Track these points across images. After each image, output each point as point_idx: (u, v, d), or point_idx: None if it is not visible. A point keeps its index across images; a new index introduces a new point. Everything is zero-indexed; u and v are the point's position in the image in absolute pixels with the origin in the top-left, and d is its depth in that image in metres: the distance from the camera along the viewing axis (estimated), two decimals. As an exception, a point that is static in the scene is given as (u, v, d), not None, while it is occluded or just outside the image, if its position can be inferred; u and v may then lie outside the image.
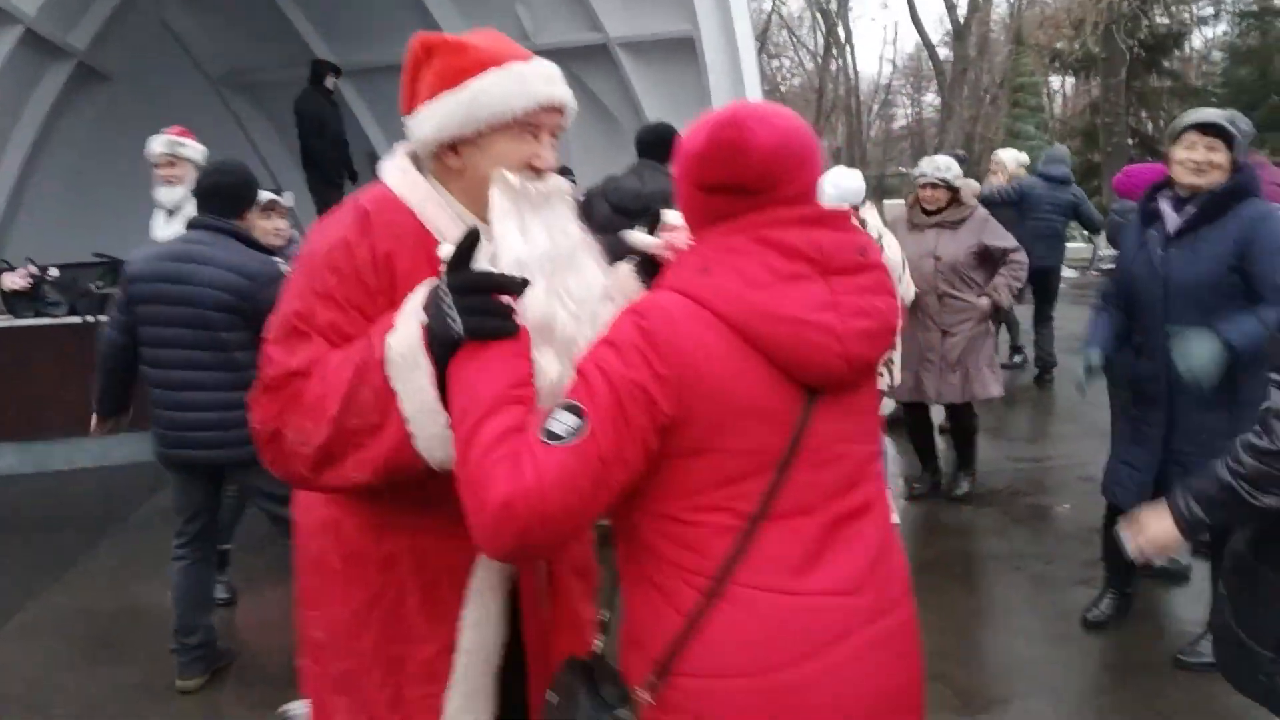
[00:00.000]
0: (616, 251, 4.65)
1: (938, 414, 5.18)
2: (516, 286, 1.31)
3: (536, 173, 1.51)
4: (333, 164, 8.81)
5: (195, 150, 4.70)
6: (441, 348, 1.30)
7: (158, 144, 4.64)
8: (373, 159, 8.95)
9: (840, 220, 1.37)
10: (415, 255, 1.46)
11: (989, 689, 3.19)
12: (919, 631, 1.45)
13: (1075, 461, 5.46)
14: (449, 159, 1.51)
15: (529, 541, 1.17)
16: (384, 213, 1.50)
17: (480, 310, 1.28)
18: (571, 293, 1.45)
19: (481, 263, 1.33)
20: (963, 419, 5.02)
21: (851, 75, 35.50)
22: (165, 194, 4.64)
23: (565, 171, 7.10)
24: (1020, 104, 22.08)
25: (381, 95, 10.52)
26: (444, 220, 1.51)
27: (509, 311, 1.30)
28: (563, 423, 1.20)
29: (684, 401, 1.24)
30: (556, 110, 1.54)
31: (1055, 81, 28.73)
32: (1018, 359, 8.15)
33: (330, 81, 8.84)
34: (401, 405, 1.34)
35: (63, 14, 9.61)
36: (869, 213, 4.19)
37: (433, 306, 1.31)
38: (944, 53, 31.83)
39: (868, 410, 1.43)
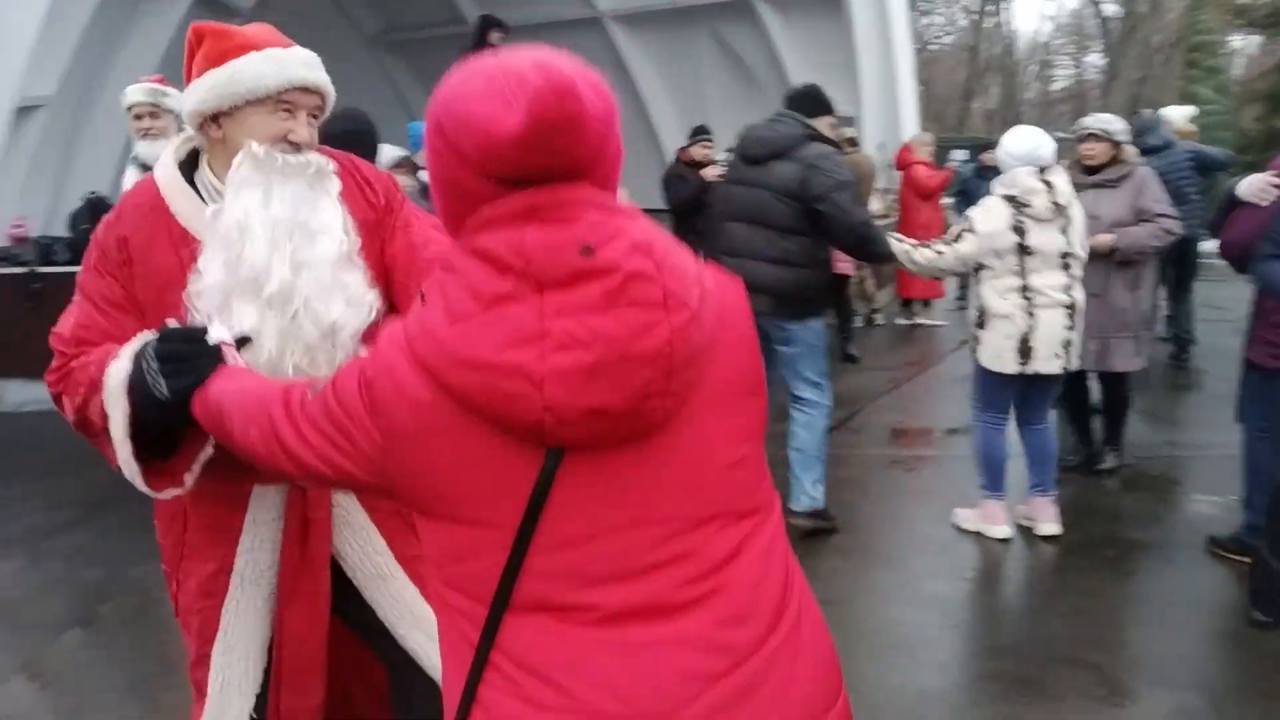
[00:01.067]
0: (745, 205, 4.54)
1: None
2: (212, 355, 1.46)
3: (293, 146, 1.65)
4: None
5: (179, 101, 4.32)
6: (143, 396, 1.49)
7: (137, 93, 4.13)
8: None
9: (557, 207, 1.01)
10: (153, 232, 1.69)
11: (1138, 680, 3.01)
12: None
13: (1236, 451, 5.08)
14: (211, 130, 1.67)
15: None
16: (135, 199, 1.74)
17: (178, 374, 1.45)
18: (298, 255, 1.61)
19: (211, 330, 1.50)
20: (1112, 390, 4.75)
21: (1008, 33, 33.75)
22: (147, 148, 4.08)
23: (701, 131, 7.06)
24: (1196, 65, 20.44)
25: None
26: (183, 204, 1.70)
27: (209, 368, 1.44)
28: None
29: (393, 462, 1.07)
30: (311, 92, 1.68)
31: (1237, 40, 26.48)
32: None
33: (495, 37, 8.79)
34: (110, 426, 1.56)
35: (232, -24, 10.10)
36: (1057, 175, 3.93)
37: (140, 362, 1.50)
38: (1110, 9, 29.80)
39: (679, 464, 1.06)
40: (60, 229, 7.32)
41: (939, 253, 3.98)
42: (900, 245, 4.09)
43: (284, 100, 1.64)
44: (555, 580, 1.04)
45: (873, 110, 9.74)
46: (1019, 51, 34.74)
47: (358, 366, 1.12)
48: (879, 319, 8.97)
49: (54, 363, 1.68)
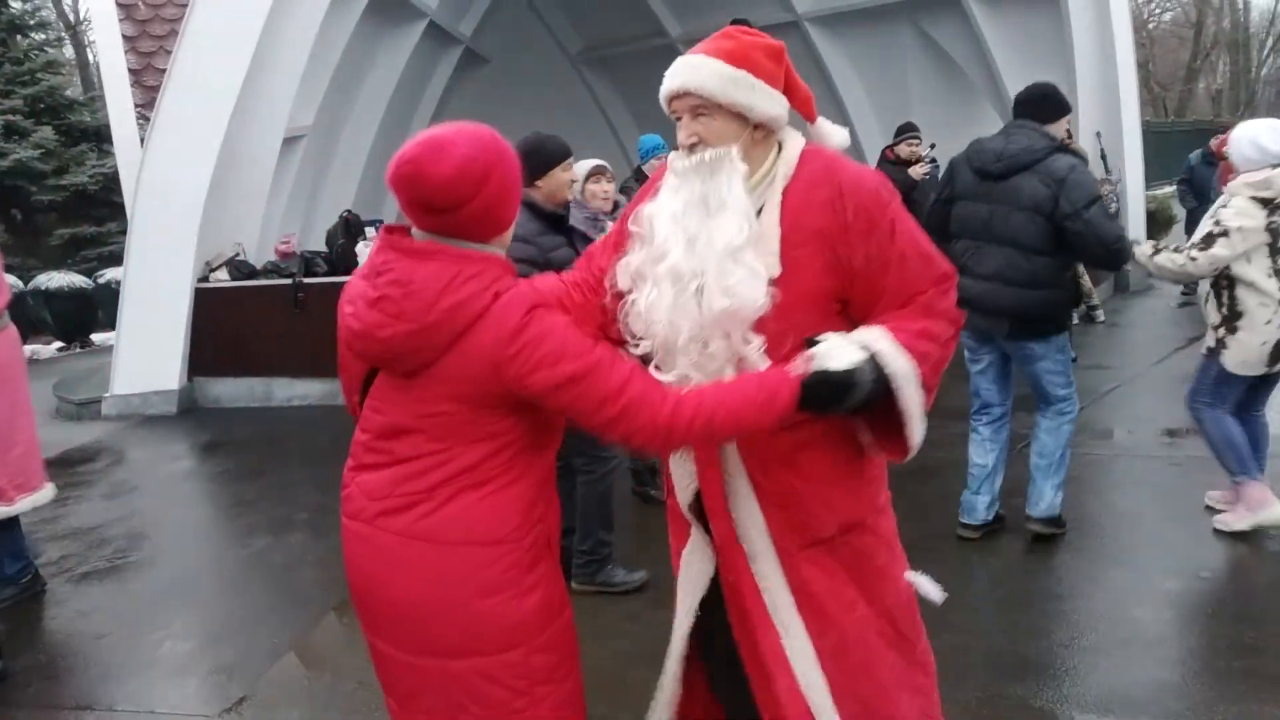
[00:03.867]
0: (985, 224, 4.40)
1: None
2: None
3: (684, 149, 1.81)
4: None
5: None
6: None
7: None
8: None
9: (384, 233, 1.74)
10: None
11: None
12: (392, 561, 1.73)
13: None
14: None
15: None
16: None
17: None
18: (691, 229, 1.75)
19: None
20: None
21: (1239, 5, 30.91)
22: None
23: (908, 128, 7.04)
24: None
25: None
26: None
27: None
28: None
29: None
30: (678, 97, 1.79)
31: None
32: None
33: None
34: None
35: (456, 5, 10.94)
36: None
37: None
38: (1366, -30, 26.72)
39: (416, 399, 1.70)
40: (313, 244, 8.23)
41: (1192, 259, 3.73)
42: (1142, 250, 3.88)
43: (673, 111, 1.82)
44: (364, 420, 1.84)
45: (1089, 97, 9.31)
46: (1253, 24, 31.74)
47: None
48: (1099, 315, 8.57)
49: None
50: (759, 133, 1.81)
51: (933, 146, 7.18)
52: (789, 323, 1.75)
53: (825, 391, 1.66)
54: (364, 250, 7.67)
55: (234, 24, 7.19)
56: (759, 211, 1.79)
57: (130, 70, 8.39)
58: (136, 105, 8.27)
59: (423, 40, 10.16)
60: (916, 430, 1.78)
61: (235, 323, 7.51)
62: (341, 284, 1.85)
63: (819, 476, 1.86)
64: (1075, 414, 3.97)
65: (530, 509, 1.75)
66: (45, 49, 16.74)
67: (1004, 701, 2.87)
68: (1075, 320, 7.98)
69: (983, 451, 4.05)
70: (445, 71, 11.55)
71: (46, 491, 4.12)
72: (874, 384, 1.69)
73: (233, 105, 7.22)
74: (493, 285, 1.65)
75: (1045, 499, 3.92)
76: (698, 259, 1.73)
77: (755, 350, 1.74)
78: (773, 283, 1.74)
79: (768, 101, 1.78)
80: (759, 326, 1.74)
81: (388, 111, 10.03)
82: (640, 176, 4.62)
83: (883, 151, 7.27)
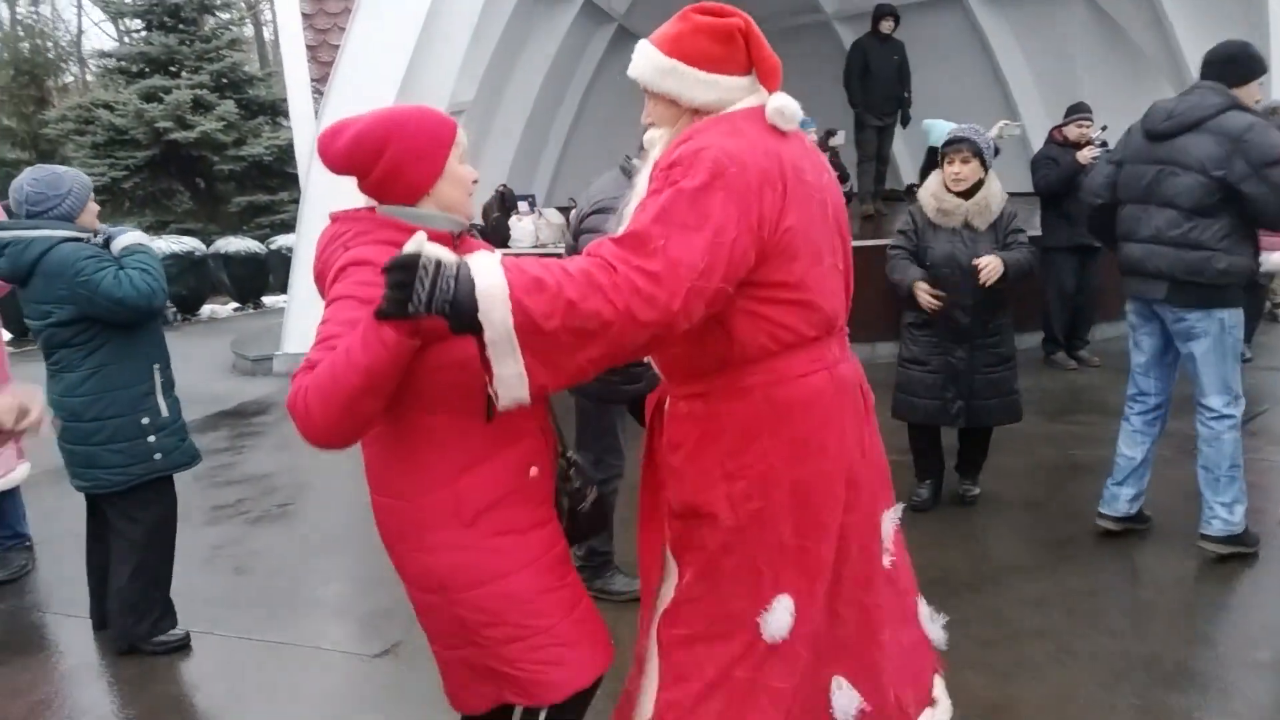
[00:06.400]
0: (1145, 184, 4.13)
1: None
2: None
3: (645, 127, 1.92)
4: (867, 105, 8.97)
5: None
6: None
7: None
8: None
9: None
10: None
11: None
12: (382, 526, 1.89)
13: None
14: None
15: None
16: None
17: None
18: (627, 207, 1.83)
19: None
20: None
21: None
22: None
23: (1079, 109, 6.66)
24: None
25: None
26: None
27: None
28: None
29: None
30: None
31: None
32: None
33: (886, 25, 8.97)
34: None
35: (612, -17, 11.02)
36: None
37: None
38: None
39: None
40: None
41: None
42: None
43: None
44: None
45: (1283, 74, 8.57)
46: None
47: None
48: (1284, 313, 7.95)
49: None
50: (699, 117, 1.81)
51: (1104, 129, 6.76)
52: None
53: (394, 278, 1.50)
54: (516, 224, 7.89)
55: (403, 3, 7.48)
56: None
57: (307, 46, 8.86)
58: (312, 80, 8.74)
59: (578, 18, 10.30)
60: (500, 359, 1.54)
61: (395, 289, 7.85)
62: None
63: (680, 447, 1.88)
64: (1237, 421, 3.56)
65: (428, 470, 1.80)
66: (230, 27, 17.85)
67: (1164, 710, 2.73)
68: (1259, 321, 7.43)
69: (1132, 443, 3.81)
70: (598, 49, 11.67)
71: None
72: (457, 291, 1.50)
73: (400, 80, 7.52)
74: (352, 241, 1.80)
75: (1218, 517, 3.61)
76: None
77: None
78: None
79: (699, 89, 1.79)
80: None
81: (542, 88, 10.23)
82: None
83: (1050, 132, 6.92)
